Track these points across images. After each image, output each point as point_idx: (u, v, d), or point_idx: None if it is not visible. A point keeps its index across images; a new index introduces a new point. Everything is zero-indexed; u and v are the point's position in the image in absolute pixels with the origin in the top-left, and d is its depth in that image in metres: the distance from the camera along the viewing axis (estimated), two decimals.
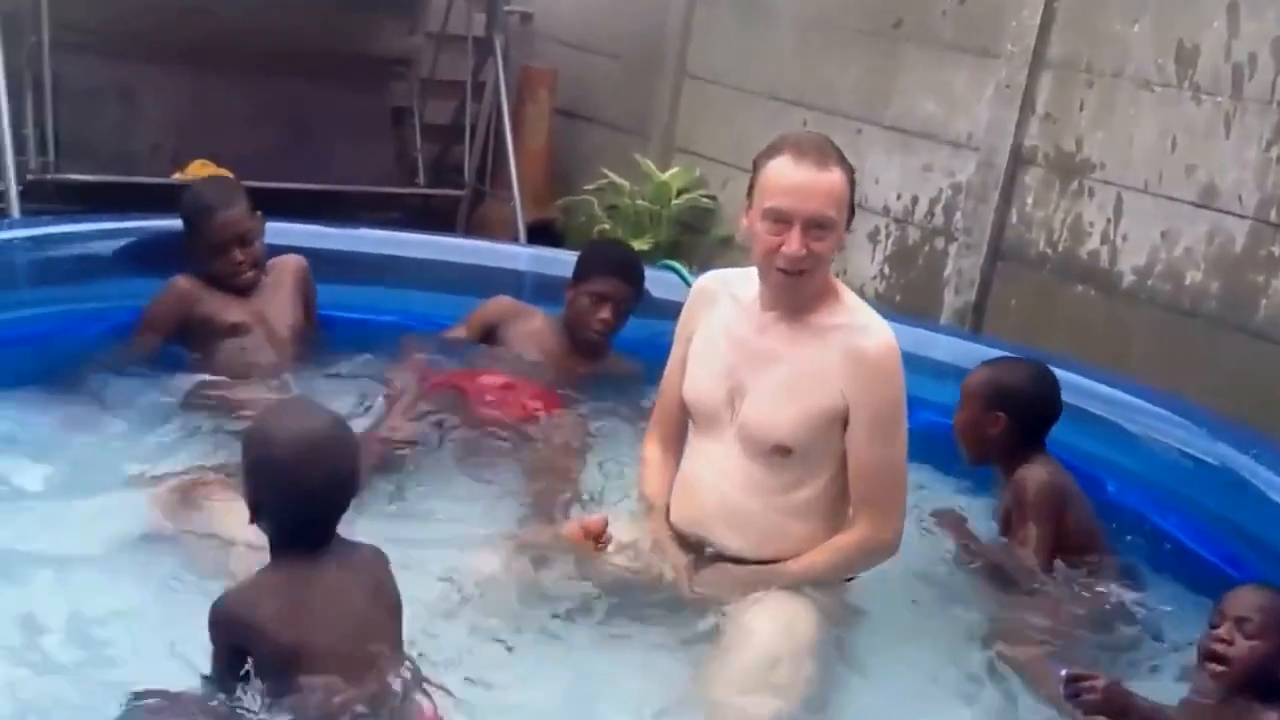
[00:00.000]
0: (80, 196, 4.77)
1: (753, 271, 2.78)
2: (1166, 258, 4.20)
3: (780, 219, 2.61)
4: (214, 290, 3.72)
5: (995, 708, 2.66)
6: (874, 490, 2.73)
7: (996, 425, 3.14)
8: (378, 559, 2.29)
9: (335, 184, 5.49)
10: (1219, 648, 2.50)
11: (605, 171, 5.98)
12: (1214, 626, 2.54)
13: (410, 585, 2.37)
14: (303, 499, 2.16)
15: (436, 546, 2.93)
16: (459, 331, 3.98)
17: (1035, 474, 3.07)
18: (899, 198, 5.09)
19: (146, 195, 4.81)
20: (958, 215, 4.84)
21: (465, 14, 6.08)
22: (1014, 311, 4.65)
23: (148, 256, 3.94)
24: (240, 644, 2.12)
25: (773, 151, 2.67)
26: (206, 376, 3.60)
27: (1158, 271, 4.23)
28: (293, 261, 3.90)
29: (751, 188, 2.70)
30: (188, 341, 3.72)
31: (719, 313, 2.86)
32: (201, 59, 5.25)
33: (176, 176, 5.14)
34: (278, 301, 3.83)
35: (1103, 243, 4.36)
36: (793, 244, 2.60)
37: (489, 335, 3.94)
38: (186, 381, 3.58)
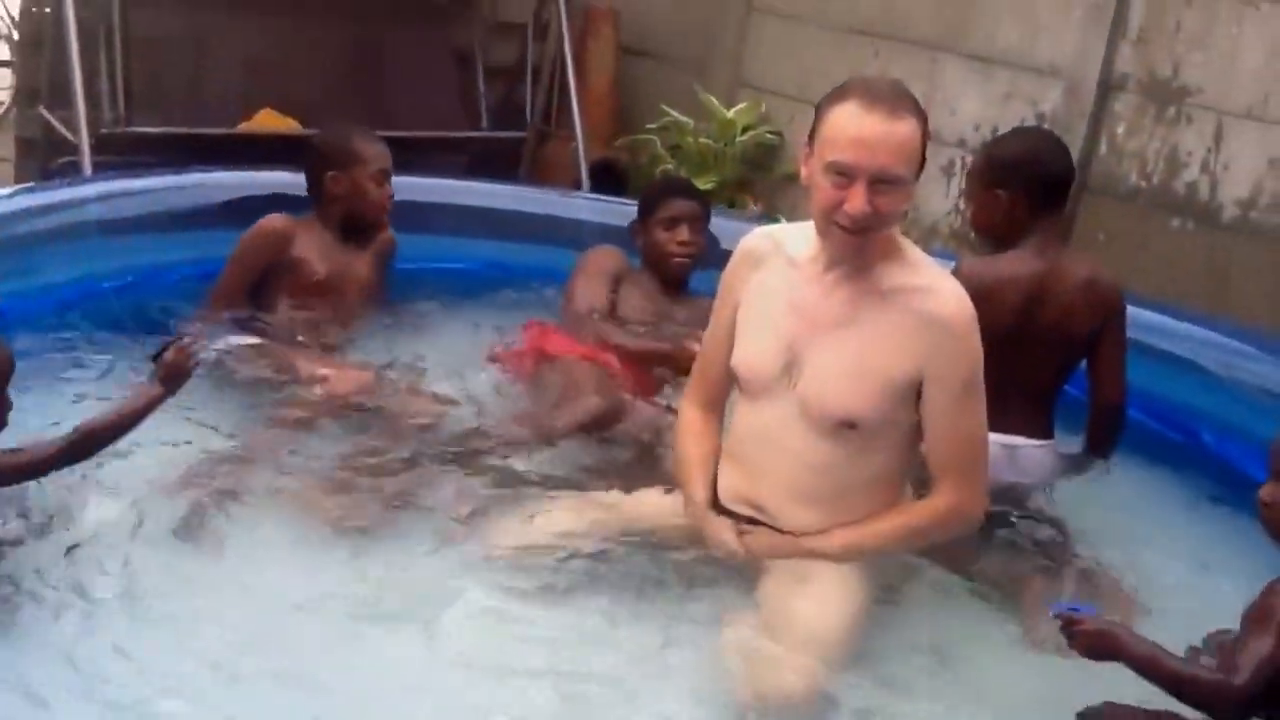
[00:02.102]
0: (151, 148, 4.73)
1: (807, 227, 2.60)
2: (1273, 188, 4.02)
3: (844, 172, 2.41)
4: (313, 234, 3.68)
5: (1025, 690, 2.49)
6: (959, 458, 2.56)
7: (999, 205, 3.01)
8: None
9: (399, 129, 5.38)
10: (1264, 497, 2.27)
11: (667, 109, 5.88)
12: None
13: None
14: None
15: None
16: (596, 293, 3.78)
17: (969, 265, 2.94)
18: (977, 129, 4.93)
19: (216, 146, 4.82)
20: None
21: None
22: (1102, 248, 4.49)
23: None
24: None
25: (839, 96, 2.45)
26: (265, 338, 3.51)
27: (1263, 203, 4.06)
28: (388, 237, 3.89)
29: (813, 134, 2.49)
30: (261, 289, 3.65)
31: (771, 275, 2.64)
32: (268, 5, 5.21)
33: (243, 126, 5.10)
34: (364, 264, 3.79)
35: (1202, 172, 4.21)
36: (856, 201, 2.40)
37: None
38: (248, 338, 3.48)
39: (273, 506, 2.88)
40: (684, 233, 3.77)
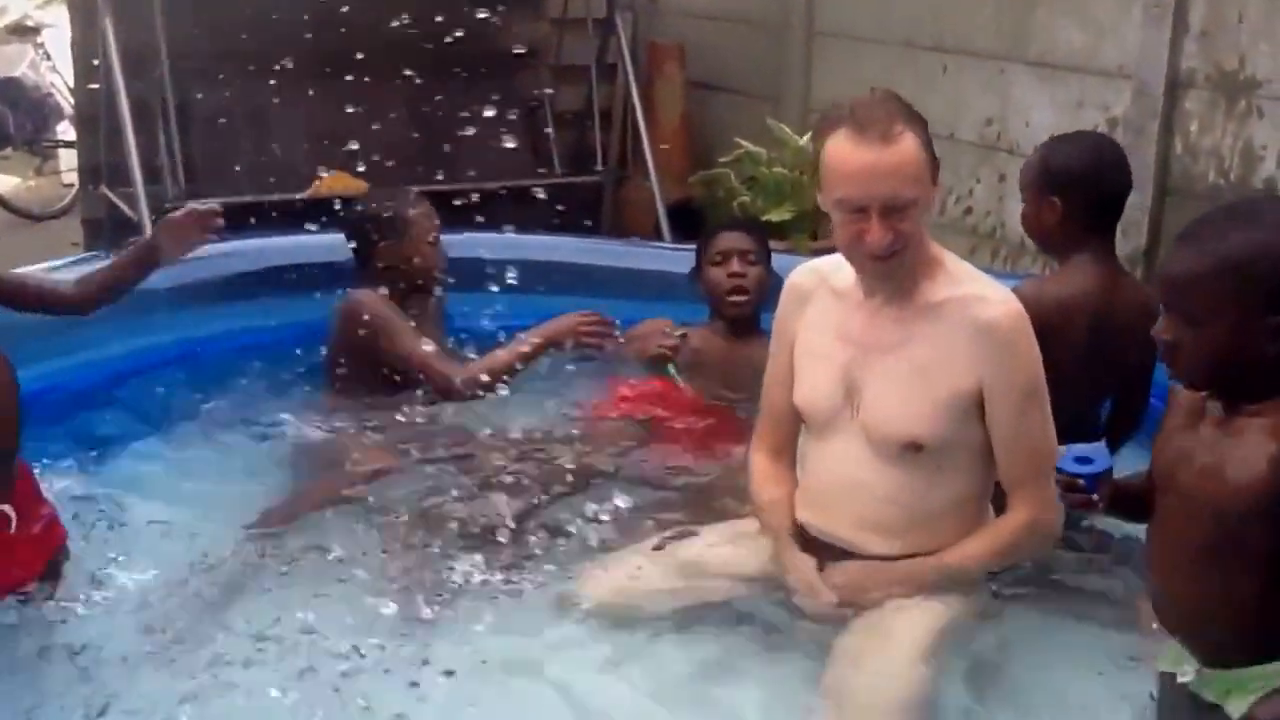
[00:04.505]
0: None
1: None
2: None
3: (854, 209, 2.38)
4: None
5: None
6: (1032, 468, 2.47)
7: (1053, 212, 2.85)
8: None
9: (472, 182, 5.42)
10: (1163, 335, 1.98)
11: (739, 141, 5.79)
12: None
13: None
14: None
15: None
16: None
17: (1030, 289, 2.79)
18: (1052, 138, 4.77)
19: (283, 212, 4.87)
20: None
21: None
22: None
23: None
24: None
25: (831, 125, 2.40)
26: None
27: None
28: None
29: (817, 168, 2.45)
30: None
31: (819, 308, 2.62)
32: (328, 69, 5.20)
33: (310, 191, 5.17)
34: (433, 328, 3.71)
35: (1279, 166, 3.97)
36: (875, 234, 2.37)
37: None
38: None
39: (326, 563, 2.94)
40: (734, 265, 3.69)
